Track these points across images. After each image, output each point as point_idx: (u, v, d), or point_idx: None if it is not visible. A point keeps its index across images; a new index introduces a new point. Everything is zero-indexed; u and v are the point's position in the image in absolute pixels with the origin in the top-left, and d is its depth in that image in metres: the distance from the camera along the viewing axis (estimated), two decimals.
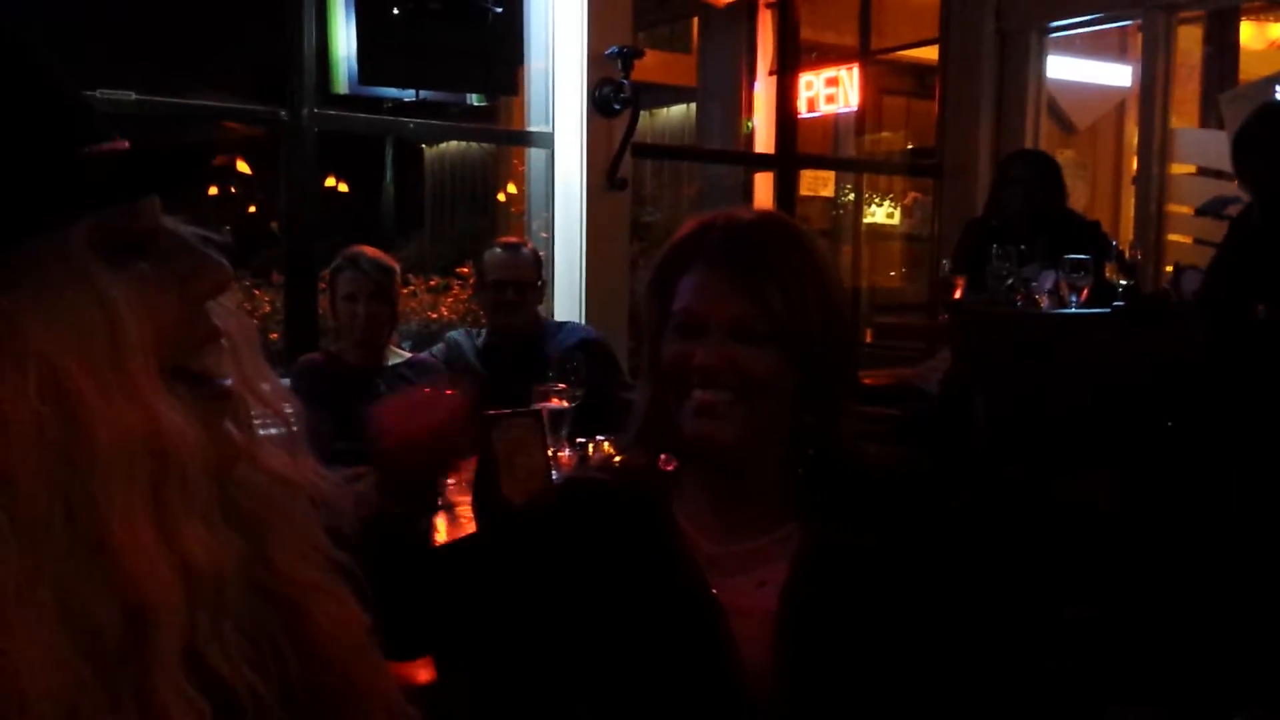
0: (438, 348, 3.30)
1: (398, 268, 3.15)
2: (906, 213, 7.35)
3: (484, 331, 3.29)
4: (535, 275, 3.22)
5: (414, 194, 8.15)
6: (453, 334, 3.36)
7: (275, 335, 3.79)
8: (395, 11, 3.70)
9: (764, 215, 1.25)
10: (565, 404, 2.59)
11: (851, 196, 7.23)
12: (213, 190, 8.16)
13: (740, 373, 1.13)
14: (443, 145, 8.18)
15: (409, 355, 3.22)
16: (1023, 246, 3.43)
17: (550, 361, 2.82)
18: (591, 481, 1.30)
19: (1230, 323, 2.95)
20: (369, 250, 3.09)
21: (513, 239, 3.40)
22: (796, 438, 1.19)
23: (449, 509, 2.48)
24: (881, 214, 7.49)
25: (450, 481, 2.59)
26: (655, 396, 1.20)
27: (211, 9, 5.74)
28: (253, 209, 8.03)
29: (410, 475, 1.22)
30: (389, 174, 7.23)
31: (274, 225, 4.32)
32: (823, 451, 1.20)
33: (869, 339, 5.21)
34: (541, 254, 3.43)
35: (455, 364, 3.19)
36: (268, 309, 3.93)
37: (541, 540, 1.21)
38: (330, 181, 7.56)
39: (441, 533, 2.35)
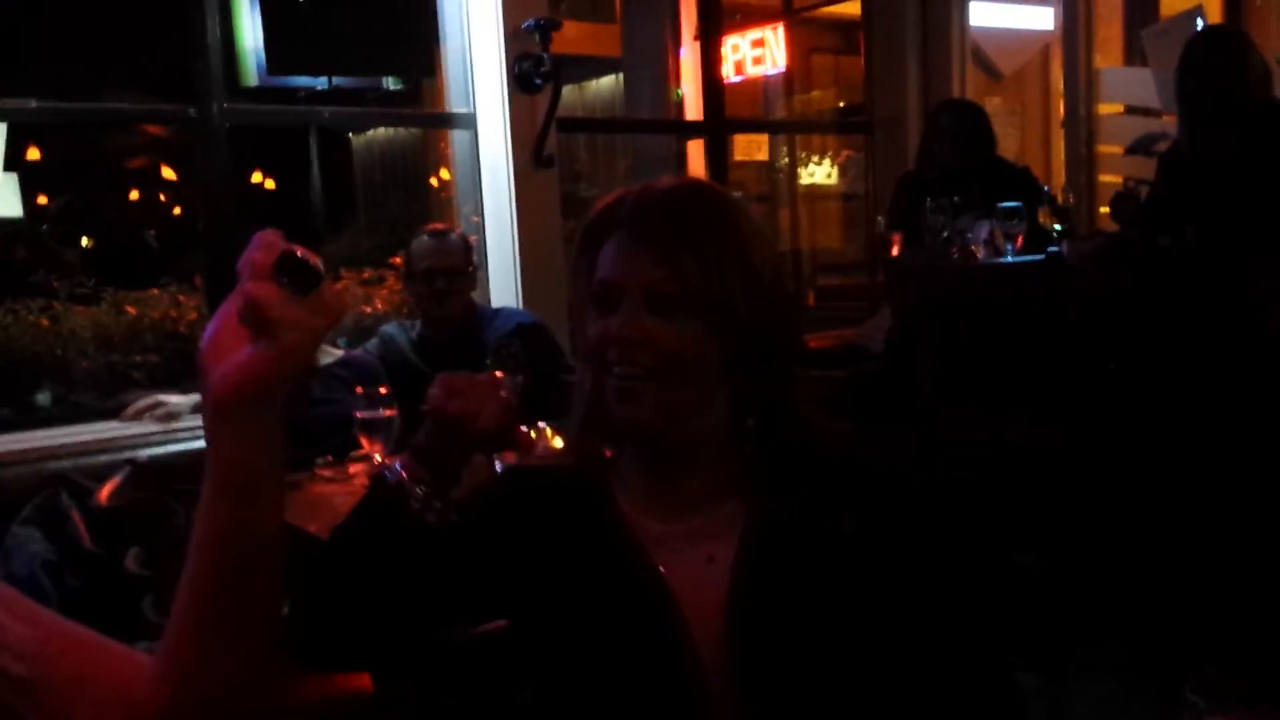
0: (372, 343, 3.22)
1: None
2: (842, 171, 7.34)
3: (418, 323, 3.21)
4: (465, 262, 3.15)
5: (343, 185, 7.98)
6: (386, 327, 3.28)
7: None
8: None
9: (681, 182, 1.21)
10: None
11: (786, 159, 7.20)
12: (134, 195, 7.96)
13: (652, 346, 1.10)
14: (370, 133, 8.01)
15: (342, 353, 3.13)
16: (956, 198, 3.42)
17: (488, 349, 2.75)
18: (532, 470, 1.28)
19: (1143, 257, 2.96)
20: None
21: (439, 226, 3.31)
22: (735, 410, 1.16)
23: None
24: (820, 174, 7.48)
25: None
26: (586, 377, 1.17)
27: (110, 6, 5.54)
28: (178, 211, 7.84)
29: (453, 449, 1.15)
30: (315, 166, 7.07)
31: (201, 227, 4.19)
32: (764, 423, 1.17)
33: (811, 301, 5.20)
34: (473, 238, 3.34)
35: (391, 358, 3.11)
36: (194, 315, 3.81)
37: (484, 530, 1.18)
38: (257, 178, 7.40)
39: None
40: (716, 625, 1.09)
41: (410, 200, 7.17)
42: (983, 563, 1.25)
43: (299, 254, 0.79)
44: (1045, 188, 3.70)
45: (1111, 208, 3.57)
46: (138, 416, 3.12)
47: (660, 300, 1.11)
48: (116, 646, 0.83)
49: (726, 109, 5.03)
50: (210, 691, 0.79)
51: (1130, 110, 5.11)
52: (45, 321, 3.68)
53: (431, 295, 3.10)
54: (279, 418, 0.80)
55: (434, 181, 5.87)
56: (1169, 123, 4.31)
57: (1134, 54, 5.51)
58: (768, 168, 7.30)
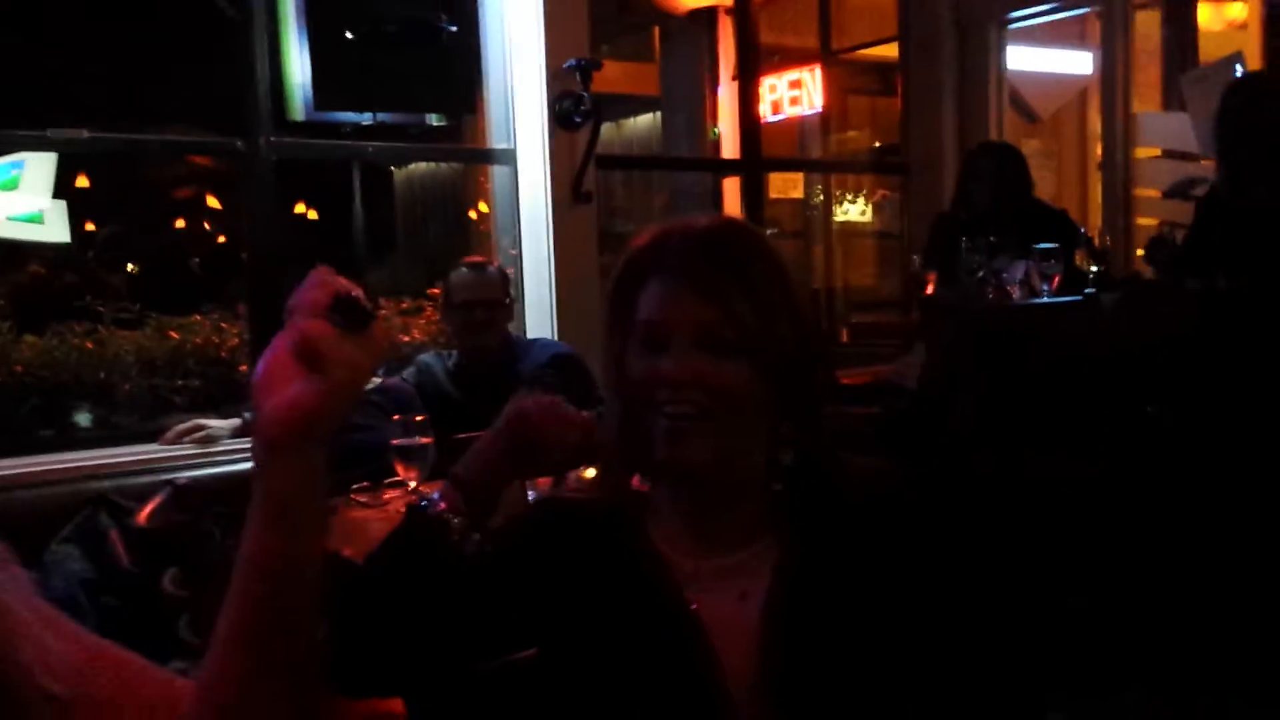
0: (409, 371, 3.25)
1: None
2: (877, 210, 7.35)
3: (455, 353, 3.25)
4: (503, 294, 3.19)
5: (384, 217, 8.10)
6: (423, 356, 3.32)
7: (244, 367, 3.74)
8: (349, 35, 3.66)
9: (723, 221, 1.22)
10: None
11: (821, 197, 7.23)
12: (180, 224, 8.11)
13: (706, 386, 1.10)
14: (411, 166, 8.13)
15: (380, 380, 3.17)
16: (992, 239, 3.42)
17: (523, 379, 2.78)
18: (566, 502, 1.28)
19: (1195, 300, 2.94)
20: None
21: (478, 259, 3.36)
22: (772, 449, 1.16)
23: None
24: (853, 213, 7.49)
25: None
26: (623, 414, 1.17)
27: (163, 42, 5.68)
28: (222, 239, 7.98)
29: (502, 476, 1.19)
30: (358, 198, 7.19)
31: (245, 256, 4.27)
32: (799, 461, 1.17)
33: (845, 338, 5.19)
34: (510, 271, 3.38)
35: (426, 387, 3.15)
36: (235, 341, 3.88)
37: (518, 561, 1.18)
38: (300, 209, 7.52)
39: None
40: (749, 663, 1.09)
41: (449, 233, 7.26)
42: (1016, 602, 1.24)
43: (352, 294, 0.82)
44: (1082, 229, 3.70)
45: (1147, 251, 3.55)
46: (178, 440, 3.16)
47: (711, 341, 1.11)
48: (157, 670, 0.84)
49: (763, 148, 5.07)
50: (250, 717, 0.81)
51: (1168, 154, 5.09)
52: (89, 345, 3.75)
53: (469, 326, 3.14)
54: (325, 453, 0.82)
55: (473, 215, 5.94)
56: (1207, 167, 4.30)
57: (1171, 99, 5.50)
58: (802, 205, 7.32)
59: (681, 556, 1.15)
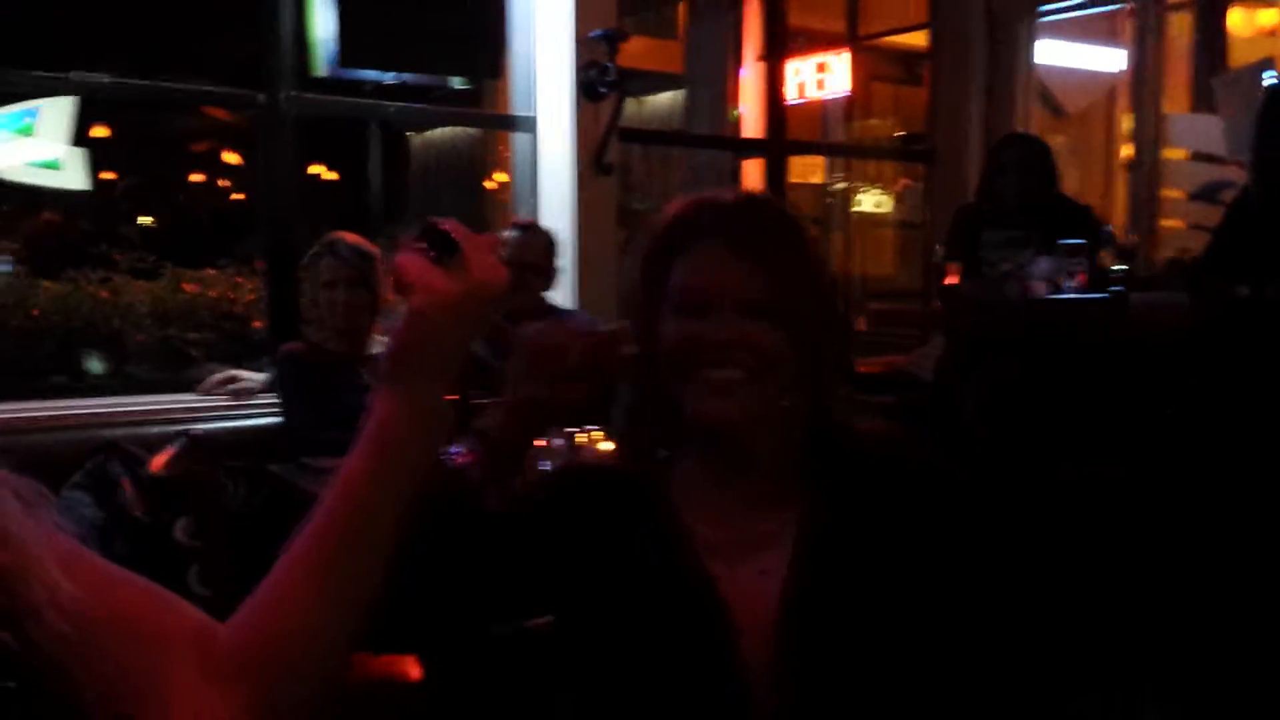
0: None
1: (379, 253, 3.09)
2: (898, 199, 7.30)
3: None
4: (544, 259, 3.20)
5: (400, 180, 8.08)
6: None
7: (259, 324, 3.72)
8: None
9: (754, 194, 1.25)
10: None
11: (842, 184, 7.18)
12: (198, 177, 8.09)
13: (751, 347, 1.12)
14: (429, 131, 8.09)
15: None
16: (1016, 232, 3.39)
17: None
18: (587, 468, 1.29)
19: (1218, 304, 2.91)
20: (348, 236, 3.03)
21: (528, 220, 3.39)
22: (789, 420, 1.17)
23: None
24: (872, 201, 7.45)
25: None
26: (649, 379, 1.18)
27: None
28: (241, 196, 7.96)
29: (534, 418, 1.19)
30: (374, 161, 7.16)
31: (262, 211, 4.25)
32: (815, 433, 1.18)
33: (862, 326, 5.16)
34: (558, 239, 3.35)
35: None
36: (251, 297, 3.86)
37: (538, 527, 1.19)
38: (316, 169, 7.49)
39: None
40: (765, 638, 1.09)
41: (464, 199, 7.23)
42: (1033, 576, 1.24)
43: (440, 225, 0.84)
44: (1107, 226, 3.66)
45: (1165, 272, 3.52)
46: (214, 389, 3.16)
47: (751, 306, 1.13)
48: (184, 603, 0.83)
49: (786, 130, 5.03)
50: (297, 650, 0.78)
51: (1196, 156, 5.05)
52: (105, 294, 3.73)
53: None
54: (436, 390, 0.83)
55: (489, 183, 5.92)
56: (1235, 171, 4.26)
57: (1201, 100, 5.46)
58: (822, 191, 7.28)
59: (703, 525, 1.16)
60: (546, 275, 3.22)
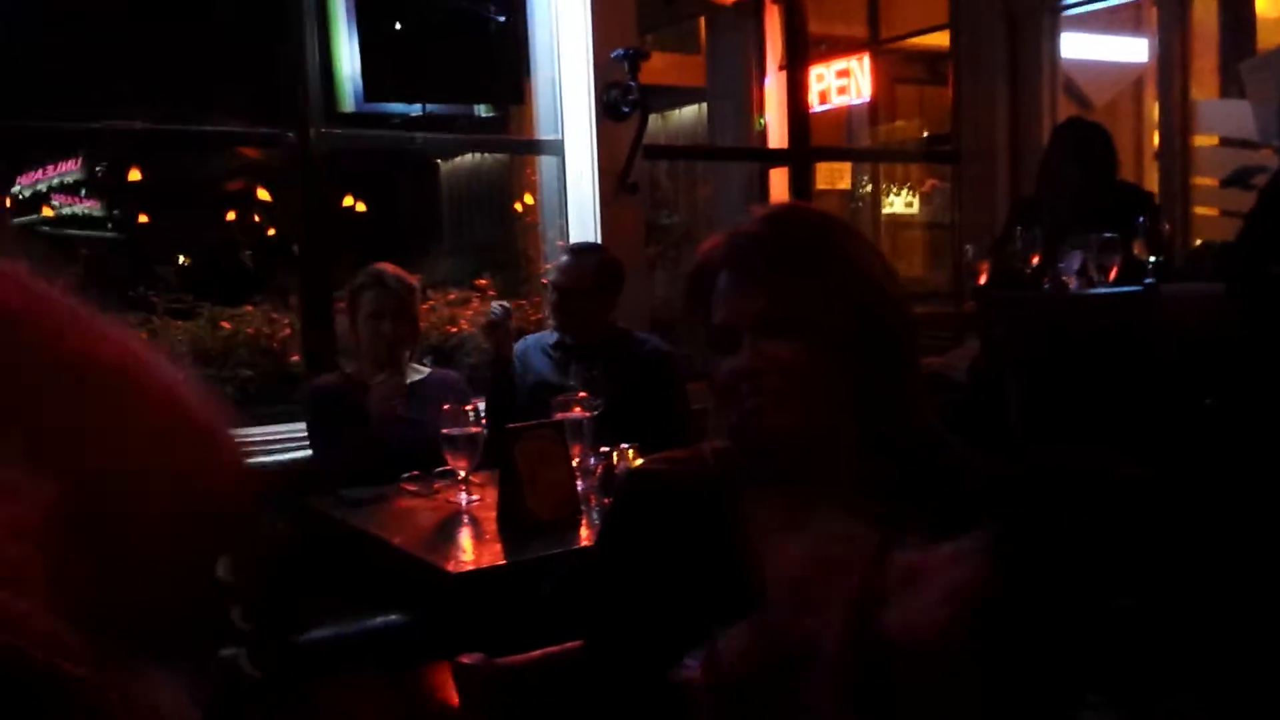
0: (518, 344, 3.27)
1: (418, 285, 3.14)
2: (925, 201, 7.26)
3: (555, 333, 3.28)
4: (590, 283, 3.14)
5: (431, 208, 8.16)
6: (530, 336, 3.36)
7: (296, 357, 3.77)
8: (398, 26, 3.68)
9: (777, 209, 1.27)
10: (586, 414, 2.55)
11: (869, 188, 7.16)
12: (231, 216, 8.22)
13: (774, 366, 1.13)
14: (457, 158, 8.17)
15: (429, 370, 3.19)
16: (1038, 230, 3.31)
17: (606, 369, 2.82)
18: (655, 474, 1.28)
19: (1254, 288, 2.87)
20: (390, 268, 3.06)
21: (583, 244, 3.41)
22: (839, 434, 1.16)
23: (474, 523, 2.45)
24: (900, 203, 7.41)
25: (475, 498, 2.56)
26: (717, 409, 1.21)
27: (214, 34, 5.75)
28: (272, 232, 8.07)
29: None
30: (404, 191, 7.23)
31: (295, 248, 4.31)
32: (888, 447, 1.16)
33: None
34: (615, 262, 3.25)
35: (523, 362, 3.22)
36: (287, 331, 3.91)
37: (612, 532, 1.25)
38: (348, 201, 7.59)
39: (468, 552, 2.31)
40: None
41: (495, 224, 7.28)
42: (1068, 592, 1.22)
43: None
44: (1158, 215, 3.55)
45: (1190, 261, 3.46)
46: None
47: (767, 326, 1.14)
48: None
49: (811, 137, 5.03)
50: None
51: (1226, 142, 4.98)
52: (144, 335, 3.80)
53: (551, 307, 3.24)
54: None
55: (518, 206, 5.96)
56: (1267, 155, 4.20)
57: (1229, 86, 5.38)
58: (849, 196, 7.26)
59: (770, 537, 1.14)
60: (600, 299, 3.17)
